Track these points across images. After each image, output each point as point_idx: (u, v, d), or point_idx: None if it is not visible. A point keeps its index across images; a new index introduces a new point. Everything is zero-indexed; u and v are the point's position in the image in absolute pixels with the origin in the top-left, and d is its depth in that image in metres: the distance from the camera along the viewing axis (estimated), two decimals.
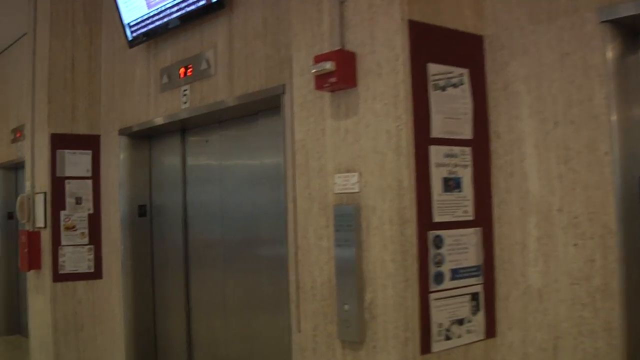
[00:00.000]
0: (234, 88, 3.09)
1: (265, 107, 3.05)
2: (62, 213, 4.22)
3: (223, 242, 3.58)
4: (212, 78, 3.26)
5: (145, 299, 4.12)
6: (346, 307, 1.98)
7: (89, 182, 4.32)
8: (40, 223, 4.28)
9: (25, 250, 4.32)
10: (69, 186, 4.27)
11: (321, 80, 2.01)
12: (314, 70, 1.99)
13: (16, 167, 6.27)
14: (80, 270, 4.27)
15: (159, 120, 3.71)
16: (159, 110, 3.73)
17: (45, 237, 4.23)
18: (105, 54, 4.35)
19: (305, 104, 2.18)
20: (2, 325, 6.33)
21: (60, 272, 4.19)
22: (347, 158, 2.02)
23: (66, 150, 4.26)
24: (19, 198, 4.52)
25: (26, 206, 4.43)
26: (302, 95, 2.20)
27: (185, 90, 3.47)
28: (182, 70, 3.48)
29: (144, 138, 4.15)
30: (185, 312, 3.86)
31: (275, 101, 2.83)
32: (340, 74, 1.96)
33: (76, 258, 4.26)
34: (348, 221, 1.97)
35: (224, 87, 3.17)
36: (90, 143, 4.33)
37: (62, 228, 4.21)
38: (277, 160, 2.96)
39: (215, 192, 3.63)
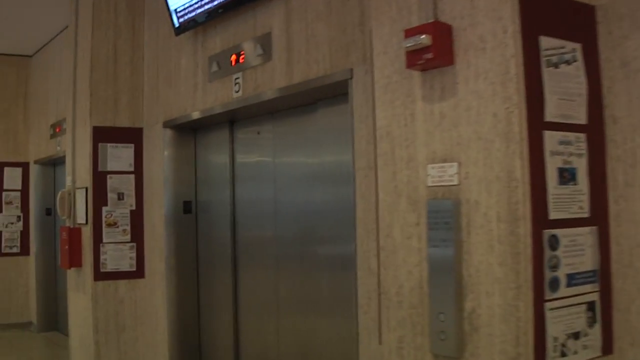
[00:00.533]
0: (293, 75, 2.87)
1: (328, 94, 2.82)
2: (104, 209, 4.08)
3: (275, 241, 3.36)
4: (267, 64, 3.04)
5: (190, 299, 3.95)
6: (441, 316, 1.74)
7: (132, 177, 4.17)
8: (81, 219, 4.15)
9: (66, 247, 4.19)
10: (111, 181, 4.11)
11: (414, 57, 1.76)
12: (407, 45, 1.74)
13: (54, 163, 6.19)
14: (122, 269, 4.13)
15: (207, 111, 3.51)
16: (207, 101, 3.53)
17: (86, 234, 4.10)
18: (148, 43, 4.20)
19: (389, 86, 1.94)
20: (40, 322, 6.27)
21: (102, 270, 4.05)
22: (443, 146, 1.77)
23: (108, 144, 4.11)
24: (59, 193, 4.40)
25: (67, 202, 4.30)
26: (385, 76, 1.95)
27: (237, 79, 3.26)
28: (233, 57, 3.27)
29: (190, 131, 3.97)
30: (232, 313, 3.66)
31: (341, 87, 2.60)
32: (437, 49, 1.71)
33: (117, 256, 4.11)
34: (445, 218, 1.72)
35: (281, 74, 2.95)
36: (132, 136, 4.17)
37: (103, 225, 4.07)
38: (340, 152, 2.73)
39: (268, 187, 3.41)
